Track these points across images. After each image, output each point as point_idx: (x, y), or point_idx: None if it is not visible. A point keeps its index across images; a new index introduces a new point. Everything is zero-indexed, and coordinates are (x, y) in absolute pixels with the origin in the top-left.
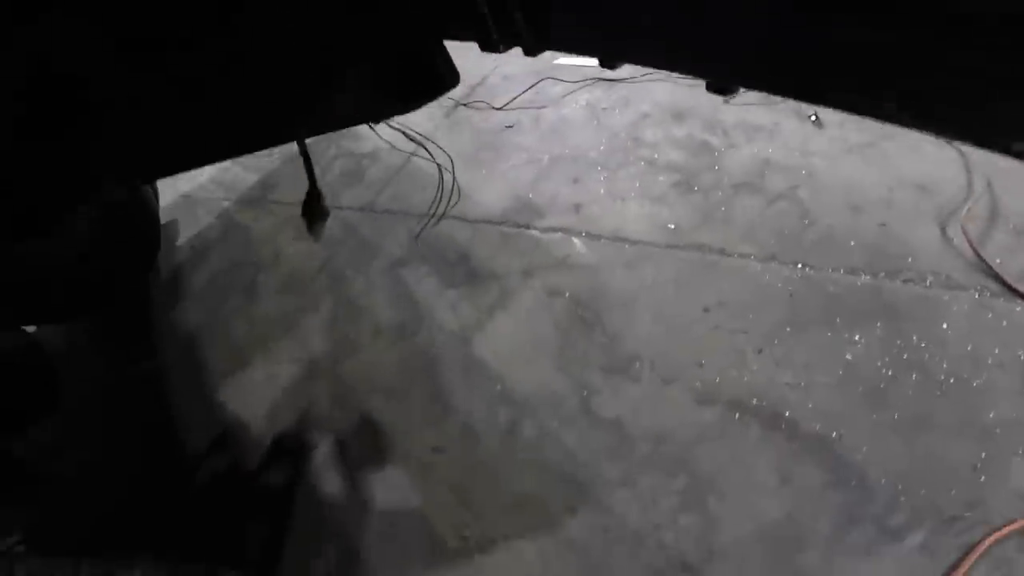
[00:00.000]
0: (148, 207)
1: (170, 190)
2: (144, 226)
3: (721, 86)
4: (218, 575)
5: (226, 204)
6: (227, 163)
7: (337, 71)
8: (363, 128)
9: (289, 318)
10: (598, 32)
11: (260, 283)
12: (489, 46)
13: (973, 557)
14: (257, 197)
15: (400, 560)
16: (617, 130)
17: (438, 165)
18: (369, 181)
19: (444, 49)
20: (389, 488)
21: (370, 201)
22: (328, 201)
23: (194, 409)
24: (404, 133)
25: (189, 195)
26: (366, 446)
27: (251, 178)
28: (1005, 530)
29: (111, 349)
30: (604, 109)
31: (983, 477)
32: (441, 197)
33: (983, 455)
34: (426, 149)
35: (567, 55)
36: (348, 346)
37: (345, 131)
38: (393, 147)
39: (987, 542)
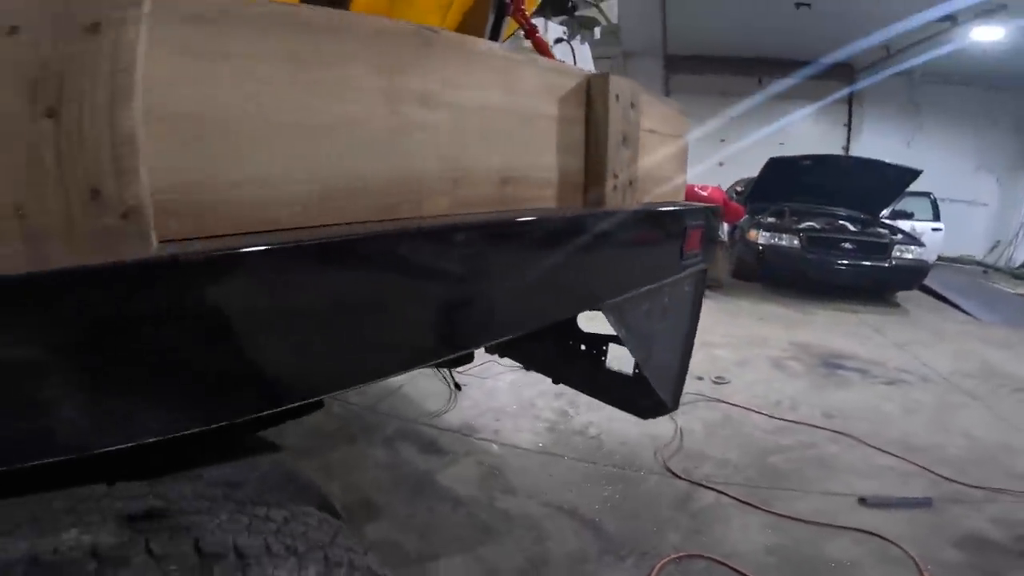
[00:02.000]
0: None
1: None
2: None
3: None
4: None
5: None
6: None
7: None
8: None
9: (312, 451)
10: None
11: (286, 429)
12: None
13: None
14: None
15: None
16: (524, 398)
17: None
18: (371, 394)
19: None
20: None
21: (371, 404)
22: (340, 398)
23: None
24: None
25: None
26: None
27: None
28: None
29: None
30: (520, 386)
31: (659, 529)
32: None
33: (655, 530)
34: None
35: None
36: (356, 467)
37: None
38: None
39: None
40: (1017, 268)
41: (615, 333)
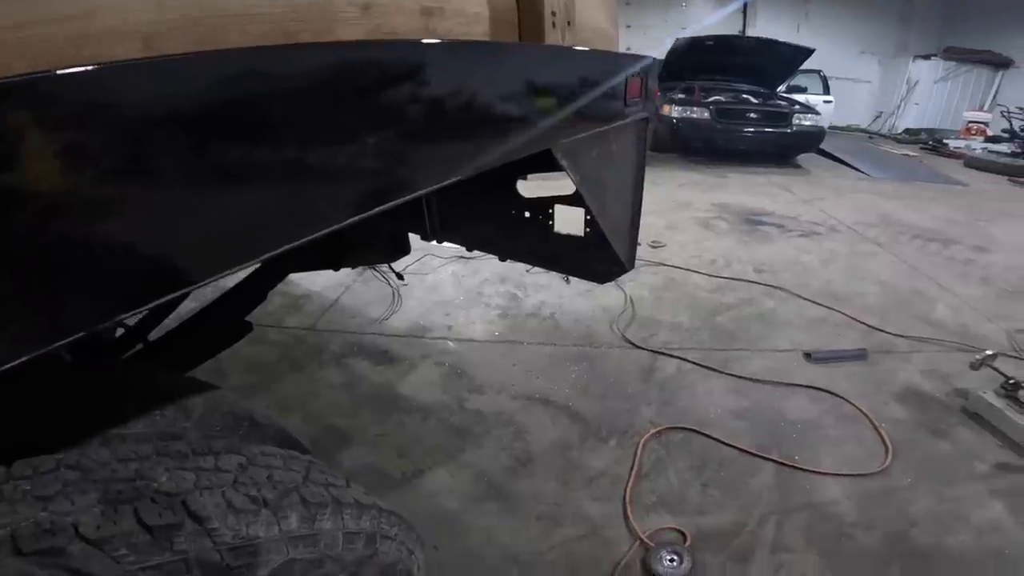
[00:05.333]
0: None
1: None
2: None
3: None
4: None
5: None
6: None
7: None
8: (303, 282)
9: (257, 386)
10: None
11: (224, 367)
12: (425, 239)
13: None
14: None
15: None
16: (469, 287)
17: (391, 287)
18: (307, 312)
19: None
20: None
21: (310, 324)
22: (274, 324)
23: None
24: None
25: None
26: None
27: None
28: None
29: None
30: (462, 276)
31: (631, 405)
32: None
33: (629, 407)
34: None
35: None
36: (311, 394)
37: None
38: (320, 295)
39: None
40: (899, 134)
41: (558, 194)
